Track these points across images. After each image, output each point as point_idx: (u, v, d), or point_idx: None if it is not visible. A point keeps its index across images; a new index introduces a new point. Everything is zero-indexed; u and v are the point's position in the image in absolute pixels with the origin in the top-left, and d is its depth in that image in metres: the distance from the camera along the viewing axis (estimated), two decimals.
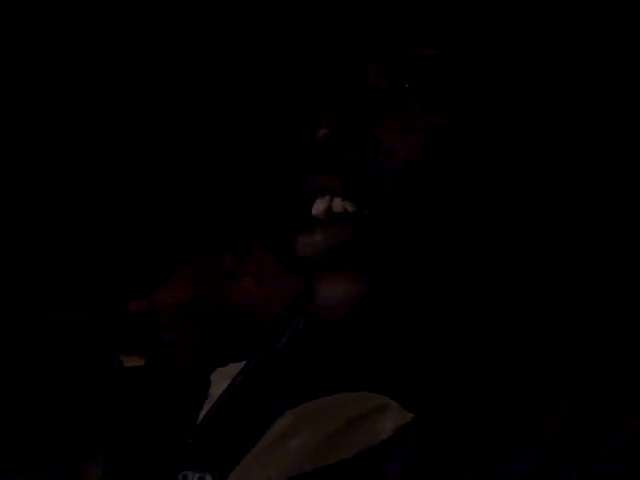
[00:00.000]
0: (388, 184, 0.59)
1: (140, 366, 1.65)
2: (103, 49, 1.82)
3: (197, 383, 1.45)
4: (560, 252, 0.59)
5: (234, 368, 1.38)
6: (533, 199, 0.58)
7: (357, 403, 1.20)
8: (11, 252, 1.86)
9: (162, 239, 1.39)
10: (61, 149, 1.90)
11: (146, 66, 1.82)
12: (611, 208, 0.59)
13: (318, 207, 0.61)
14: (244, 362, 1.37)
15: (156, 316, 1.40)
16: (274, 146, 1.36)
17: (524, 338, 0.59)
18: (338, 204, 0.60)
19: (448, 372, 0.61)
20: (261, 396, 1.30)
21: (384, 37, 0.60)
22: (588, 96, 0.58)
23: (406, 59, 0.59)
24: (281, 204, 1.34)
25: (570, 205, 0.58)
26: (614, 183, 0.58)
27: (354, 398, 1.20)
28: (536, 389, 0.57)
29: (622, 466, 0.49)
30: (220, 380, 1.40)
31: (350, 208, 0.60)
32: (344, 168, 0.59)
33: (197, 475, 1.32)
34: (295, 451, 1.21)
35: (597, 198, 0.58)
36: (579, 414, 0.53)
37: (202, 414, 1.41)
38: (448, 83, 0.58)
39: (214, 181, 1.40)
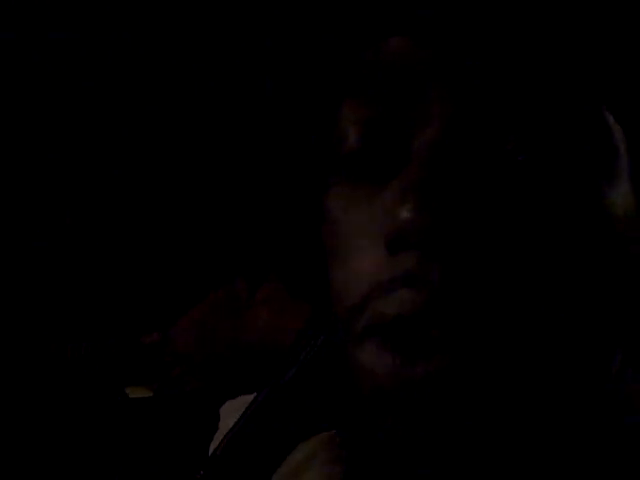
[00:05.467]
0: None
1: (148, 398, 1.64)
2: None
3: (207, 415, 1.43)
4: None
5: (244, 400, 1.36)
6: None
7: None
8: (19, 284, 1.85)
9: (177, 271, 1.38)
10: (80, 181, 1.90)
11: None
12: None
13: None
14: (254, 394, 1.35)
15: (167, 348, 1.39)
16: (290, 177, 1.35)
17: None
18: None
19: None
20: (272, 428, 1.29)
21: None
22: None
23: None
24: (294, 234, 1.34)
25: None
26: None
27: None
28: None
29: None
30: (230, 412, 1.39)
31: None
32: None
33: None
34: None
35: None
36: None
37: (212, 447, 1.40)
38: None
39: (228, 212, 1.39)
